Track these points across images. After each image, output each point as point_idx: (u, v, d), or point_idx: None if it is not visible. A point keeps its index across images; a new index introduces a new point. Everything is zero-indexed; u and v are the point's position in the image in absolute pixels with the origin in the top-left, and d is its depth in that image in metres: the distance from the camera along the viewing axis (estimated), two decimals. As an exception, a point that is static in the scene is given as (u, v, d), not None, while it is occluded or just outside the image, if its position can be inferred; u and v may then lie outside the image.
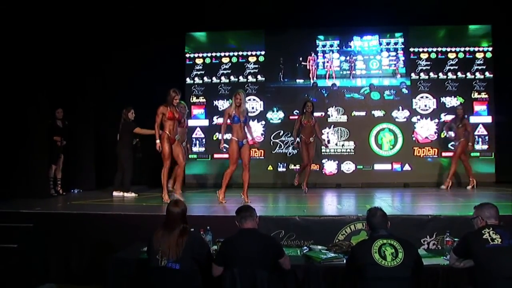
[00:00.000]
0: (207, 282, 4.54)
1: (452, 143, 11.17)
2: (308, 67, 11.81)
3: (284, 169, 11.68)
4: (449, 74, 11.53)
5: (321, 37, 11.88)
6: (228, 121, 8.14)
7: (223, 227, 5.81)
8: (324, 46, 11.87)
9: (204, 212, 7.41)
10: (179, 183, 8.35)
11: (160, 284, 4.41)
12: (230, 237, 4.56)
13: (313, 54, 11.81)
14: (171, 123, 8.18)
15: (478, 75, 11.45)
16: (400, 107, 11.35)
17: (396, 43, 11.72)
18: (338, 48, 11.83)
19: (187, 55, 12.06)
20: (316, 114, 11.53)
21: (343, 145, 11.52)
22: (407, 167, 11.39)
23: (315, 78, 11.82)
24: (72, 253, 6.56)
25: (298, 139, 10.10)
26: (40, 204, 8.01)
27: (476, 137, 11.21)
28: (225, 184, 8.22)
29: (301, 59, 11.84)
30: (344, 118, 11.63)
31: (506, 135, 11.26)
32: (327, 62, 11.84)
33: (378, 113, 11.46)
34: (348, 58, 11.79)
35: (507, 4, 10.59)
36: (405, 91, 11.59)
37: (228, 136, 8.20)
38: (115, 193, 9.51)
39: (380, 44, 11.74)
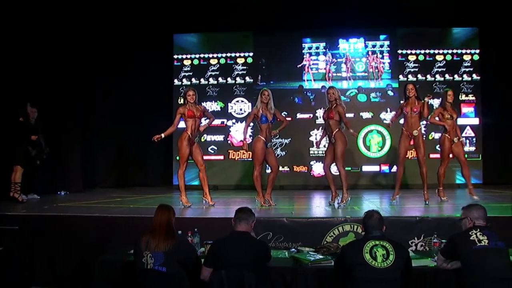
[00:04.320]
0: (195, 286, 4.52)
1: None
2: (304, 69, 11.84)
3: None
4: (437, 76, 11.59)
5: (308, 39, 11.92)
6: (251, 124, 8.16)
7: (210, 229, 5.82)
8: (310, 48, 11.89)
9: (191, 214, 7.37)
10: (205, 187, 8.08)
11: (147, 287, 4.38)
12: (220, 239, 4.54)
13: (308, 56, 11.83)
14: (192, 122, 7.85)
15: (465, 77, 11.52)
16: (388, 109, 11.38)
17: (382, 46, 11.77)
18: (324, 50, 11.85)
19: (175, 56, 12.02)
20: (304, 116, 11.62)
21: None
22: (395, 169, 11.38)
23: (312, 80, 11.85)
24: (58, 256, 6.50)
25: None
26: (25, 207, 7.95)
27: (464, 138, 11.26)
28: (259, 187, 7.92)
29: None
30: (332, 120, 11.64)
31: (493, 137, 11.35)
32: (313, 64, 11.89)
33: (366, 115, 11.49)
34: (334, 60, 11.82)
35: (494, 7, 10.69)
36: (391, 93, 11.64)
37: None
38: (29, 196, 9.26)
39: (366, 46, 11.79)
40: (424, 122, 8.83)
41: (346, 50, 11.83)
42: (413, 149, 8.36)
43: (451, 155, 8.36)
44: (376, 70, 11.74)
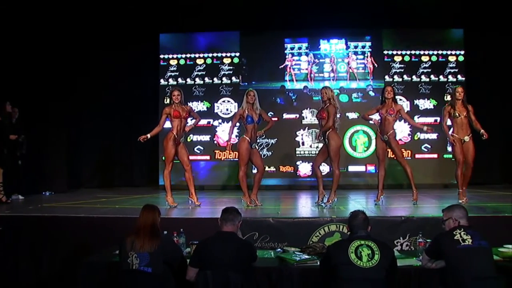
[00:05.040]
0: (180, 286, 4.51)
1: (426, 145, 11.34)
2: (287, 70, 11.87)
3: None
4: (423, 76, 11.68)
5: (290, 39, 11.98)
6: (237, 124, 8.14)
7: (196, 229, 5.80)
8: (292, 48, 11.94)
9: (177, 214, 7.35)
10: (191, 187, 8.07)
11: (132, 287, 4.36)
12: (206, 239, 4.53)
13: (290, 56, 11.85)
14: (178, 122, 7.86)
15: (450, 78, 11.61)
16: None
17: (363, 46, 11.85)
18: (306, 50, 11.91)
19: (161, 56, 11.98)
20: (290, 116, 11.63)
21: (317, 146, 11.50)
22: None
23: (294, 80, 11.88)
24: (42, 257, 6.44)
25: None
26: (9, 207, 7.88)
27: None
28: (245, 188, 7.92)
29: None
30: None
31: (476, 137, 11.41)
32: (295, 64, 11.95)
33: (352, 115, 11.52)
34: (316, 60, 11.89)
35: (479, 9, 10.77)
36: (372, 93, 11.71)
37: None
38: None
39: (348, 47, 11.89)
40: (409, 123, 8.75)
41: (327, 50, 11.89)
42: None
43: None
44: (365, 71, 11.79)
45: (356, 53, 11.84)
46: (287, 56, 11.89)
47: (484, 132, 7.87)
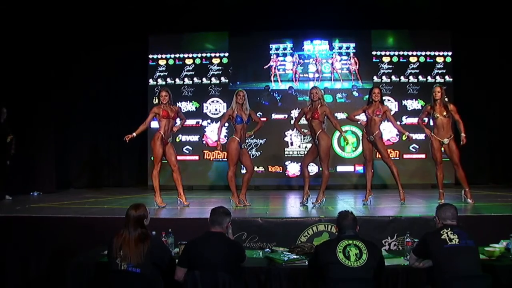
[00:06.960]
0: (169, 286, 4.50)
1: (414, 145, 11.39)
2: (271, 70, 11.87)
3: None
4: (411, 77, 11.76)
5: (277, 40, 12.03)
6: (226, 124, 8.16)
7: (185, 229, 5.79)
8: (277, 49, 11.98)
9: (165, 214, 7.34)
10: (179, 187, 8.08)
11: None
12: (195, 239, 4.53)
13: (275, 57, 11.87)
14: (166, 122, 7.86)
15: (438, 78, 11.68)
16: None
17: (348, 47, 11.92)
18: (291, 51, 11.96)
19: (150, 56, 11.96)
20: (279, 116, 11.64)
21: (306, 147, 11.54)
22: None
23: (279, 81, 11.89)
24: (30, 259, 6.40)
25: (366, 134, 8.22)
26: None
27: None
28: (233, 188, 7.95)
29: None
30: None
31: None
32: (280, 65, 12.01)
33: (340, 116, 11.54)
34: (301, 61, 11.96)
35: (465, 10, 10.85)
36: (356, 94, 11.76)
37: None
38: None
39: (332, 48, 11.95)
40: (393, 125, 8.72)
41: (310, 51, 11.97)
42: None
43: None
44: (348, 72, 11.85)
45: (340, 54, 11.90)
46: (272, 57, 11.90)
47: (464, 137, 7.83)
